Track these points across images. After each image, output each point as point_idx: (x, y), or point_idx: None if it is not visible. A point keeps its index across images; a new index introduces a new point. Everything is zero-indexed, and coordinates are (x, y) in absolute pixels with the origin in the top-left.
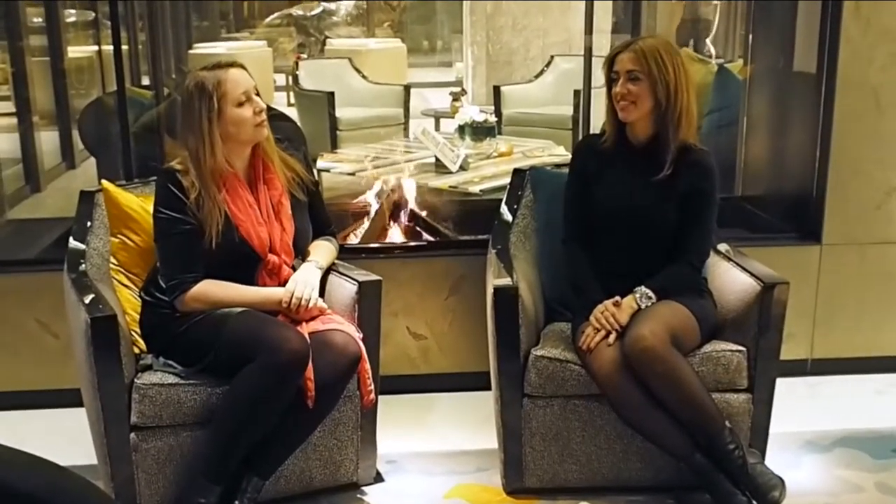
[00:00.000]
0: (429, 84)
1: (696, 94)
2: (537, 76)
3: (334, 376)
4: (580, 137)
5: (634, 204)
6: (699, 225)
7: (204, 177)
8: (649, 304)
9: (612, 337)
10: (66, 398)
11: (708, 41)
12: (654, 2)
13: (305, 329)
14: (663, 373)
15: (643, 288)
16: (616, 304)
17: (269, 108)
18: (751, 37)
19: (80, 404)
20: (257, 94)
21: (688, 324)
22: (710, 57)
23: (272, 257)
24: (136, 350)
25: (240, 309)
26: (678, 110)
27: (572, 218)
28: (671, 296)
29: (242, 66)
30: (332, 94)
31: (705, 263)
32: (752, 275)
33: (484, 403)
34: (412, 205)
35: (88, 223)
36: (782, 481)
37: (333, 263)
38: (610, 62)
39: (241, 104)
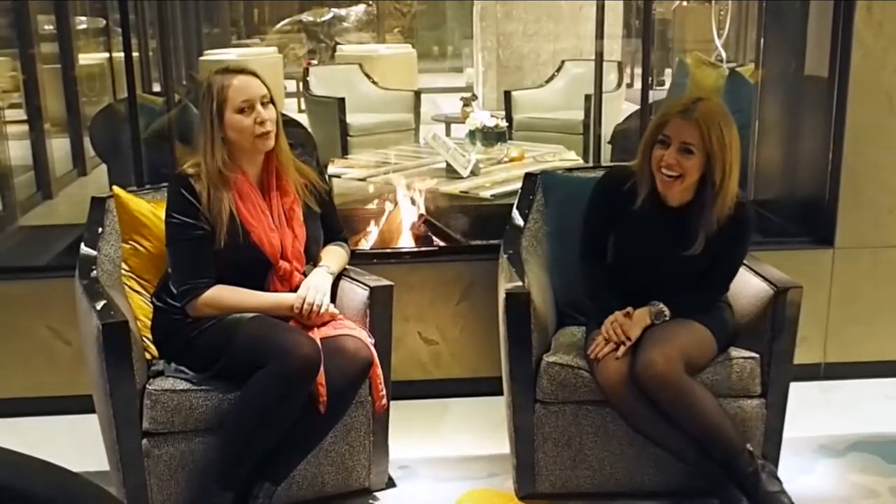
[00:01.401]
0: (439, 89)
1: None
2: (548, 81)
3: (346, 381)
4: (591, 142)
5: (656, 266)
6: (724, 268)
7: (210, 175)
8: (663, 319)
9: (621, 350)
10: (78, 404)
11: (718, 44)
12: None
13: (317, 334)
14: (674, 399)
15: (660, 304)
16: (628, 316)
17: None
18: (762, 40)
19: (92, 410)
20: (265, 104)
21: (703, 342)
22: (721, 60)
23: (283, 264)
24: (148, 356)
25: (251, 314)
26: (718, 188)
27: (590, 241)
28: (687, 315)
29: (254, 74)
30: (342, 99)
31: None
32: (765, 279)
33: (496, 409)
34: (423, 210)
35: (100, 229)
36: None
37: (345, 269)
38: (662, 123)
39: (240, 111)
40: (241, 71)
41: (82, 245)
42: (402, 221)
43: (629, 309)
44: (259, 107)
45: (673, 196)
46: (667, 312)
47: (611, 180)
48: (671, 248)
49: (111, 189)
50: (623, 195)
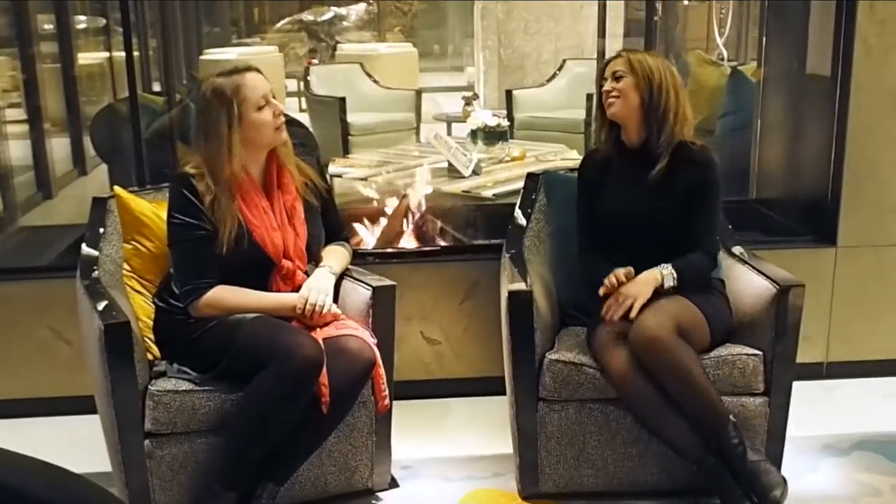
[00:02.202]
0: (440, 89)
1: (687, 96)
2: (549, 80)
3: (349, 382)
4: (592, 141)
5: (633, 206)
6: (703, 216)
7: (220, 184)
8: (671, 283)
9: (635, 308)
10: (80, 405)
11: (720, 43)
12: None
13: (319, 335)
14: (668, 362)
15: (669, 268)
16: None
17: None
18: (764, 39)
19: (94, 411)
20: (274, 97)
21: (696, 321)
22: (723, 59)
23: (286, 262)
24: (150, 356)
25: (253, 315)
26: (662, 107)
27: (585, 230)
28: (685, 290)
29: (258, 70)
30: (343, 99)
31: (719, 258)
32: (768, 277)
33: (499, 408)
34: (425, 210)
35: (101, 230)
36: (784, 481)
37: (347, 269)
38: (602, 72)
39: (261, 108)
40: (247, 69)
41: (83, 245)
42: (403, 221)
43: (630, 269)
44: (273, 100)
45: (627, 128)
46: (675, 275)
47: (585, 157)
48: (638, 179)
49: (112, 189)
50: (597, 163)
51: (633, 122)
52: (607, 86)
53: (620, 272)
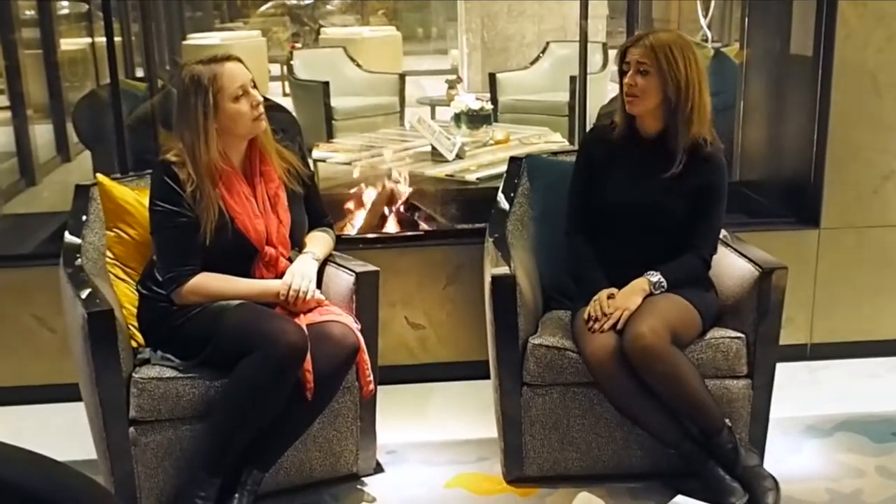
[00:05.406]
0: (424, 72)
1: (707, 83)
2: (533, 63)
3: (333, 367)
4: (576, 124)
5: (642, 199)
6: (709, 220)
7: (200, 171)
8: (662, 289)
9: (622, 320)
10: (64, 393)
11: (703, 24)
12: None
13: (303, 321)
14: (663, 372)
15: (658, 276)
16: (611, 297)
17: (265, 100)
18: (747, 20)
19: (78, 399)
20: (254, 87)
21: (688, 318)
22: (706, 41)
23: (269, 249)
24: (134, 344)
25: (237, 302)
26: (689, 107)
27: (577, 210)
28: (676, 288)
29: (239, 60)
30: (326, 83)
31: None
32: (751, 260)
33: (483, 392)
34: (408, 194)
35: (84, 217)
36: (776, 485)
37: (330, 254)
38: (622, 54)
39: (237, 99)
40: (227, 58)
41: (66, 233)
42: (387, 205)
43: (613, 290)
44: (252, 90)
45: (645, 121)
46: (665, 285)
47: (592, 134)
48: (651, 173)
49: (95, 176)
50: (605, 144)
51: (653, 117)
52: (629, 79)
53: (604, 296)
